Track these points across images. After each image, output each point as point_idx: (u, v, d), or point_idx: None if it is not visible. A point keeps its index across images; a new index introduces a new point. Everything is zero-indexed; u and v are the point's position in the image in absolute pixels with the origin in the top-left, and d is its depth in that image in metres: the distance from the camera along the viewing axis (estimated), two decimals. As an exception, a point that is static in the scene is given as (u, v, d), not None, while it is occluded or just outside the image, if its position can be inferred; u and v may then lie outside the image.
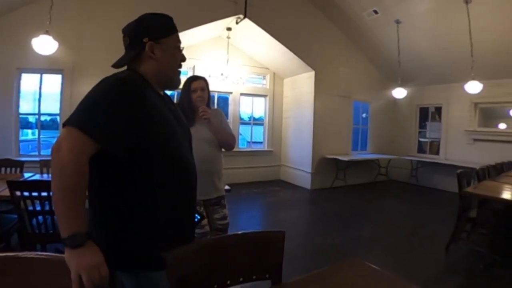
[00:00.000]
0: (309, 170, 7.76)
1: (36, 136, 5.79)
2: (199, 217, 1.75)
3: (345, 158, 7.60)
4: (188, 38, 6.60)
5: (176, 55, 1.35)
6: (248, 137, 9.25)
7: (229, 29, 7.09)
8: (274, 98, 8.80)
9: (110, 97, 1.09)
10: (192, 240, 1.40)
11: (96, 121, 1.04)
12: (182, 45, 1.38)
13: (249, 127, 8.96)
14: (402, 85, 7.04)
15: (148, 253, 1.17)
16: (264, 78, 8.82)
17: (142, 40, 1.26)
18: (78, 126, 1.02)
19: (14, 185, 2.42)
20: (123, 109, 1.10)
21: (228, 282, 1.27)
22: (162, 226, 1.23)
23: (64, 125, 1.04)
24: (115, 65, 1.30)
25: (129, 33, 1.29)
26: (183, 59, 1.38)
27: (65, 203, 0.98)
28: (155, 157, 1.19)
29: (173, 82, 1.39)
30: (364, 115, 9.29)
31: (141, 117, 1.14)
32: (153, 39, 1.26)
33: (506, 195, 3.46)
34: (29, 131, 9.60)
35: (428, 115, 8.82)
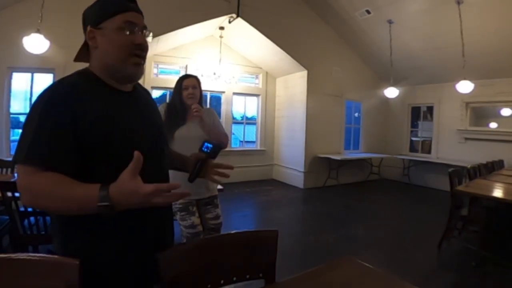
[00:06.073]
0: (302, 169, 7.77)
1: (27, 136, 5.70)
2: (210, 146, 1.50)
3: (338, 157, 7.64)
4: (181, 37, 6.58)
5: (119, 38, 1.08)
6: (241, 137, 9.24)
7: (221, 28, 7.06)
8: (267, 98, 8.80)
9: (43, 117, 0.98)
10: (171, 243, 1.28)
11: (38, 149, 0.96)
12: (148, 29, 1.15)
13: (241, 126, 8.95)
14: (394, 84, 7.09)
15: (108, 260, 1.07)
16: (256, 77, 8.81)
17: (86, 29, 1.12)
18: (25, 162, 0.95)
19: (5, 185, 2.39)
20: (57, 125, 0.98)
21: (222, 281, 1.27)
22: (121, 235, 1.07)
23: (14, 162, 0.98)
24: (74, 59, 1.23)
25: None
26: (137, 41, 1.10)
27: (65, 203, 0.92)
28: (99, 160, 1.03)
29: (122, 72, 1.12)
30: (356, 114, 9.32)
31: (79, 124, 1.00)
32: (92, 24, 1.10)
33: (497, 193, 3.51)
34: (20, 131, 9.51)
35: (420, 114, 8.88)
